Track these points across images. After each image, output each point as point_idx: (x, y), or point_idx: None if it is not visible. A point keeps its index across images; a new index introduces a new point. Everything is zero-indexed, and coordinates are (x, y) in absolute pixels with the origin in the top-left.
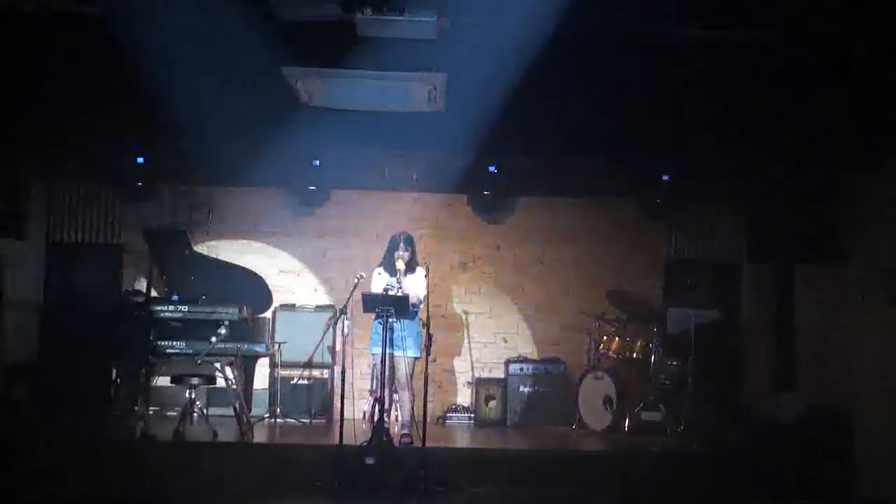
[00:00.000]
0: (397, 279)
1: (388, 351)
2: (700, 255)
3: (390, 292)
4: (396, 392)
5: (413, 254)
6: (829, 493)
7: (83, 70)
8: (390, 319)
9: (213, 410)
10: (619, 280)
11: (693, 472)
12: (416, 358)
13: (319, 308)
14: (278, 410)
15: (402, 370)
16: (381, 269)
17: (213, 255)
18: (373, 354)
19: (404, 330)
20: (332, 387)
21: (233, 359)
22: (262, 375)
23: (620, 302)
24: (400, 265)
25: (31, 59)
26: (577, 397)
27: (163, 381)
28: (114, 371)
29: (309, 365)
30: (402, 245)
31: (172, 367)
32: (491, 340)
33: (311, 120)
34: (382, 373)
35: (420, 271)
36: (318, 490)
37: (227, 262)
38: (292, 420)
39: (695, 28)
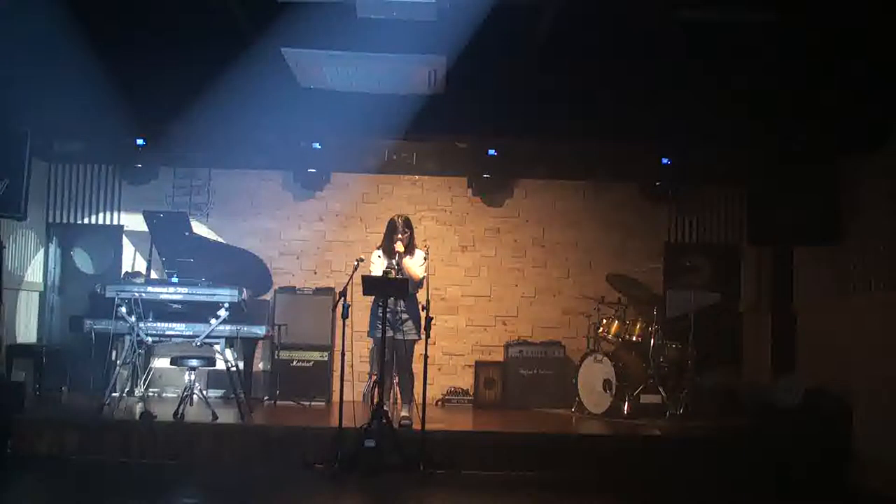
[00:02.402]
0: (396, 262)
1: (388, 334)
2: (700, 238)
3: (390, 275)
4: (396, 375)
5: (411, 236)
6: (827, 476)
7: (81, 52)
8: (390, 302)
9: (212, 392)
10: (619, 263)
11: (692, 456)
12: (415, 340)
13: (319, 291)
14: (278, 393)
15: (403, 353)
16: (379, 252)
17: (214, 238)
18: (372, 337)
19: (405, 312)
20: (332, 369)
21: (232, 341)
22: (261, 357)
23: (620, 285)
24: (399, 247)
25: (30, 41)
26: (577, 380)
27: (163, 362)
28: (113, 353)
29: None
30: (400, 228)
31: (172, 349)
32: (491, 323)
33: (311, 103)
34: (382, 355)
35: (419, 254)
36: (318, 472)
37: (227, 245)
38: (292, 402)
39: (696, 9)
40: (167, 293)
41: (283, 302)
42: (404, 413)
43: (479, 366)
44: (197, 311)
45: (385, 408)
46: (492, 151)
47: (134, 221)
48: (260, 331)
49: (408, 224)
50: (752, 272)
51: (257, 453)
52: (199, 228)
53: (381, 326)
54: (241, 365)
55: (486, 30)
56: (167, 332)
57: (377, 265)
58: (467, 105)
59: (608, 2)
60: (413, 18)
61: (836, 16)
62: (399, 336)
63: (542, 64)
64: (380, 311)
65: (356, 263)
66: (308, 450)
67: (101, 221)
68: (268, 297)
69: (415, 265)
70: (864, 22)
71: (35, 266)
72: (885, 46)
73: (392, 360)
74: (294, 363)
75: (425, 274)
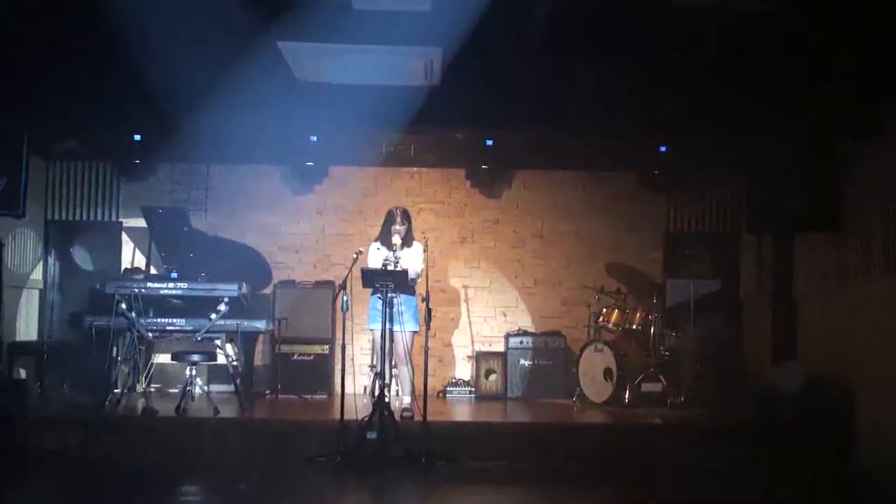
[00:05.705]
0: (394, 254)
1: (387, 325)
2: (699, 227)
3: (388, 267)
4: (396, 367)
5: (409, 228)
6: (829, 464)
7: (78, 48)
8: (389, 294)
9: (214, 387)
10: (618, 253)
11: (693, 444)
12: (414, 332)
13: (319, 284)
14: (279, 386)
15: (401, 345)
16: (377, 244)
17: (213, 233)
18: (371, 330)
19: (402, 304)
20: (333, 362)
21: (233, 335)
22: (262, 351)
23: (620, 274)
24: (396, 240)
25: (27, 39)
26: (578, 370)
27: (164, 358)
28: (114, 349)
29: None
30: (398, 219)
31: (173, 344)
32: (491, 314)
33: (308, 96)
34: (383, 348)
35: (417, 246)
36: (320, 465)
37: (226, 239)
38: (293, 396)
39: None
40: (167, 288)
41: (283, 296)
42: (406, 405)
43: (480, 357)
44: (197, 306)
45: (386, 400)
46: (489, 141)
47: (133, 218)
48: (261, 325)
49: (406, 216)
50: (752, 261)
51: (259, 447)
52: (197, 224)
53: (379, 319)
54: (242, 359)
55: (483, 20)
56: (168, 328)
57: (375, 257)
58: (465, 96)
59: None
60: (408, 9)
61: (835, 7)
62: (398, 328)
63: (540, 53)
64: (378, 303)
65: (355, 255)
66: (310, 443)
67: (99, 218)
68: (268, 291)
69: (413, 257)
70: (864, 15)
71: (34, 264)
72: (885, 31)
73: (392, 351)
74: (295, 357)
75: (423, 266)
